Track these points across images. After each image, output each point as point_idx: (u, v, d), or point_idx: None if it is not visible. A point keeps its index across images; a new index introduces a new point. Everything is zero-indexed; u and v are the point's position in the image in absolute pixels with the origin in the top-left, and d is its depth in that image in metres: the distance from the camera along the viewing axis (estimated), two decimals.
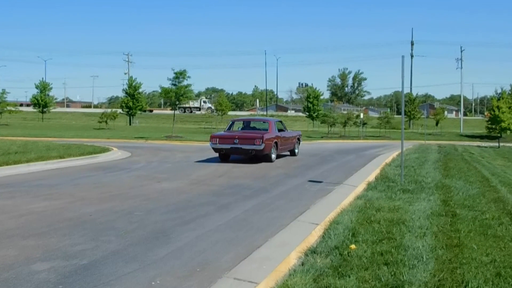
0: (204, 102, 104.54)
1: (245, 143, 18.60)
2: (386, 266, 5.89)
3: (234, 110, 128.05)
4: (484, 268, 5.93)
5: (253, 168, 17.44)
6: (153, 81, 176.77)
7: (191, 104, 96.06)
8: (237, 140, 18.71)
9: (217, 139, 19.13)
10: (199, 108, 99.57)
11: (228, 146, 18.83)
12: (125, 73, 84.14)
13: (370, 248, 6.65)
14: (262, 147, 18.40)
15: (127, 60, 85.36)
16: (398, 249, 6.59)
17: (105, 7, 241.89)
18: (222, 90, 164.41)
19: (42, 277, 5.60)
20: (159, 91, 44.13)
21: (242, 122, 22.83)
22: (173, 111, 48.95)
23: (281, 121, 22.78)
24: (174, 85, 41.48)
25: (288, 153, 22.35)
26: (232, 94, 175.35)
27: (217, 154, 19.90)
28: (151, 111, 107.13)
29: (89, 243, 7.07)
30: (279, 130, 20.77)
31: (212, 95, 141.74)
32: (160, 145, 33.12)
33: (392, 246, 6.73)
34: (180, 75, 41.16)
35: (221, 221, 8.69)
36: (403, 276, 5.55)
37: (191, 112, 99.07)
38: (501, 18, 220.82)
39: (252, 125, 22.23)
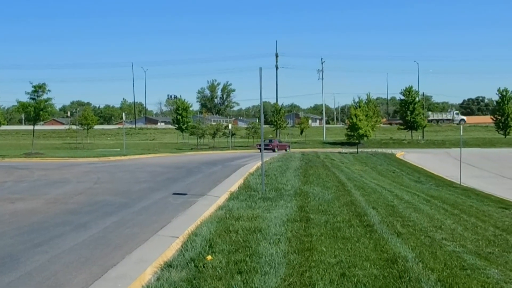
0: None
1: (269, 146, 48.60)
2: (239, 275, 6.01)
3: (101, 123, 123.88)
4: (331, 269, 6.27)
5: (116, 184, 17.00)
6: (12, 95, 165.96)
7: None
8: (267, 145, 47.55)
9: (259, 145, 42.51)
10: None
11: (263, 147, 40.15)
12: None
13: (225, 258, 6.75)
14: (274, 148, 49.11)
15: None
16: (252, 257, 6.76)
17: None
18: (88, 104, 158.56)
19: None
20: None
21: (268, 140, 53.54)
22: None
23: (279, 140, 58.68)
24: (33, 99, 39.26)
25: (271, 151, 46.68)
26: (99, 107, 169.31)
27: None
28: None
29: None
30: (279, 142, 54.45)
31: (78, 109, 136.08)
32: (18, 163, 31.12)
33: (247, 254, 6.89)
34: (39, 88, 39.02)
35: (77, 241, 8.35)
36: (254, 283, 5.70)
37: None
38: (359, 32, 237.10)
39: (269, 141, 52.32)
